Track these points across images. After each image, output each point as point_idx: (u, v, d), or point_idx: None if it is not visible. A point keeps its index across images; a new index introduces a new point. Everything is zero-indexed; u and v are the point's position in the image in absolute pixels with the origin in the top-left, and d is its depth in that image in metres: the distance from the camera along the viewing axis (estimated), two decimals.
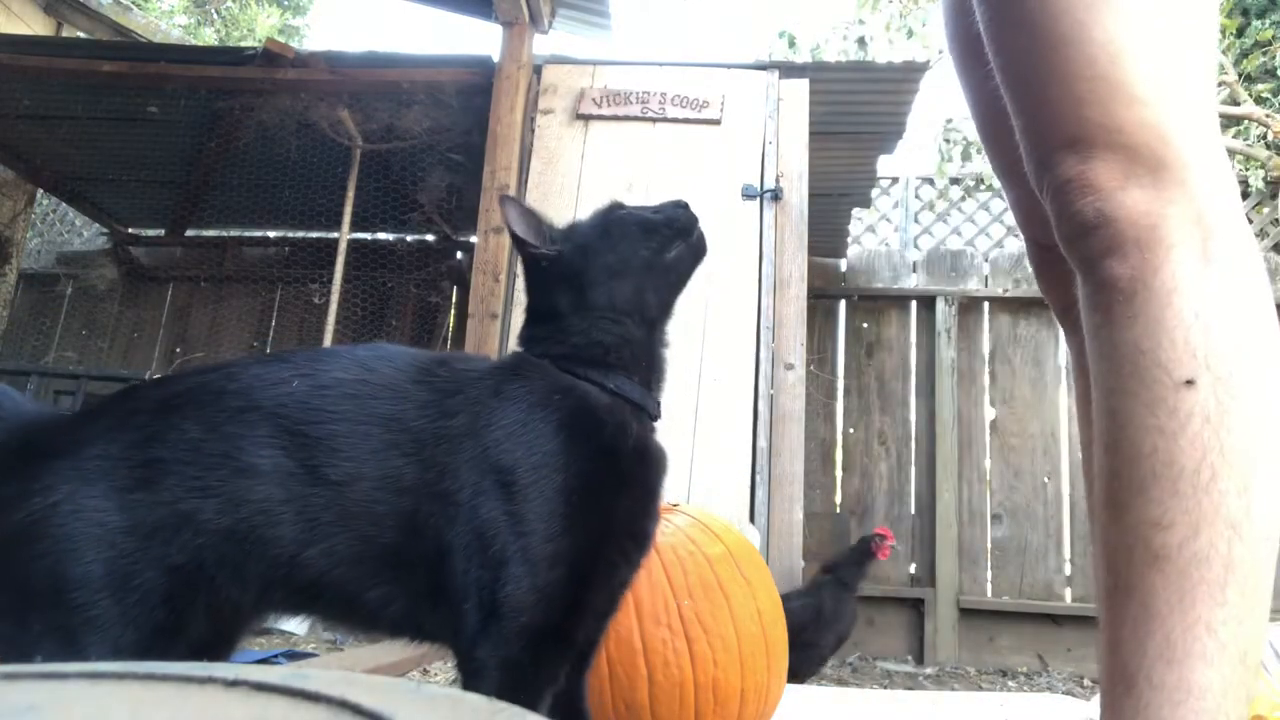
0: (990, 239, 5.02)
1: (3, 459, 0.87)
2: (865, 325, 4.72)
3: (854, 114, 3.87)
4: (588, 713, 0.98)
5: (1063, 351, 4.02)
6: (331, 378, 0.89)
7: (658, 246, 1.00)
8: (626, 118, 3.52)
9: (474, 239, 3.77)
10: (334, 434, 0.86)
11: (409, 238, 5.12)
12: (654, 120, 3.50)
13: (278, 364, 0.91)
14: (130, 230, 5.51)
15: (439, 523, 0.85)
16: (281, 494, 0.84)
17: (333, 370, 0.90)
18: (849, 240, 4.90)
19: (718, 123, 3.46)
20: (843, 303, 4.75)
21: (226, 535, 0.84)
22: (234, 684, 0.34)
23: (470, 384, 0.92)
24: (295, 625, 3.16)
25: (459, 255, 5.06)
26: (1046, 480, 4.18)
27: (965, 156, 4.99)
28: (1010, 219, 4.78)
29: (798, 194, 3.37)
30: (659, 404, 0.99)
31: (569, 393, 0.91)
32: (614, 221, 1.01)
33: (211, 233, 5.69)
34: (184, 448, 0.85)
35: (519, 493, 0.84)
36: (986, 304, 4.61)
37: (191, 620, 0.85)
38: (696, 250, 1.03)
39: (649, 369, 0.99)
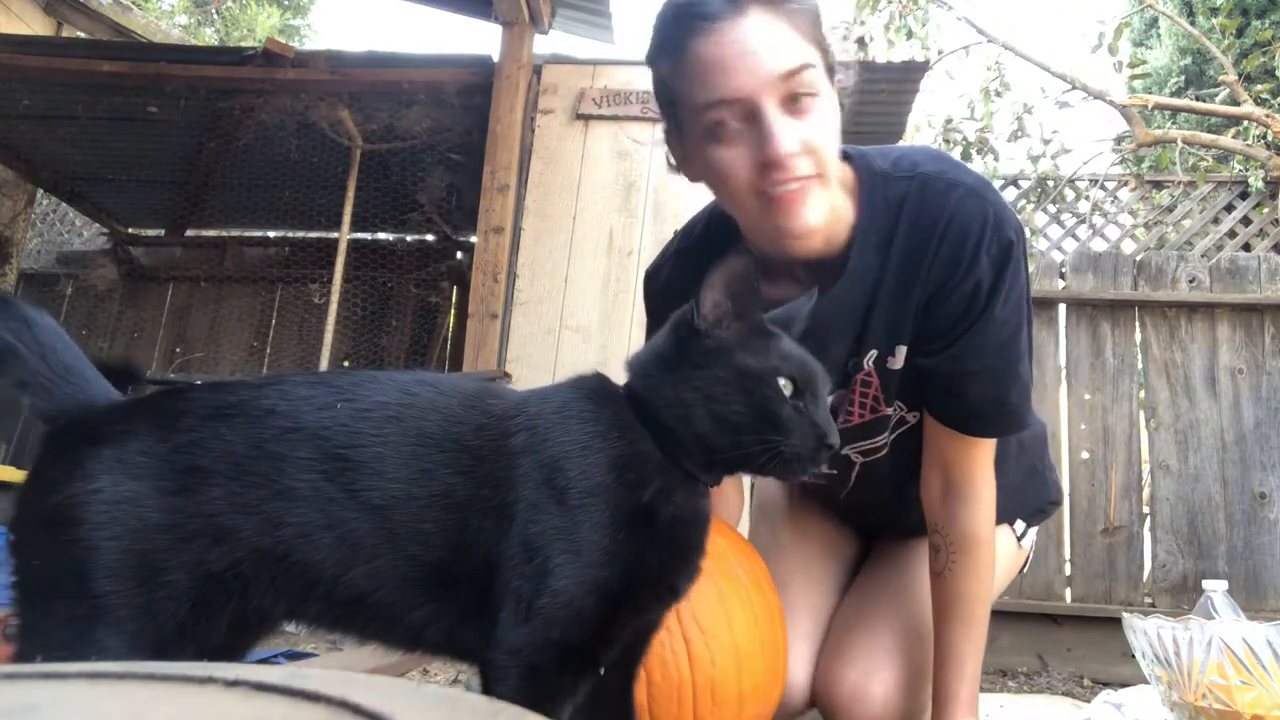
0: None
1: (54, 439, 0.88)
2: None
3: (854, 114, 3.85)
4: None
5: (1063, 352, 4.01)
6: (374, 401, 0.90)
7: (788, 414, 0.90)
8: (626, 118, 3.53)
9: (474, 239, 3.77)
10: (379, 456, 0.86)
11: (409, 238, 5.12)
12: (654, 120, 3.50)
13: (324, 386, 0.91)
14: (130, 230, 5.51)
15: (490, 538, 0.86)
16: (323, 518, 0.85)
17: (375, 395, 0.91)
18: None
19: None
20: None
21: (265, 554, 0.84)
22: (234, 684, 0.34)
23: (531, 402, 0.93)
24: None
25: (459, 255, 5.06)
26: None
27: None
28: None
29: None
30: (718, 479, 0.97)
31: (627, 433, 0.91)
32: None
33: (211, 233, 5.69)
34: (228, 461, 0.85)
35: (570, 513, 0.85)
36: None
37: (216, 625, 0.86)
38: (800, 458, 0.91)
39: (710, 467, 0.94)
